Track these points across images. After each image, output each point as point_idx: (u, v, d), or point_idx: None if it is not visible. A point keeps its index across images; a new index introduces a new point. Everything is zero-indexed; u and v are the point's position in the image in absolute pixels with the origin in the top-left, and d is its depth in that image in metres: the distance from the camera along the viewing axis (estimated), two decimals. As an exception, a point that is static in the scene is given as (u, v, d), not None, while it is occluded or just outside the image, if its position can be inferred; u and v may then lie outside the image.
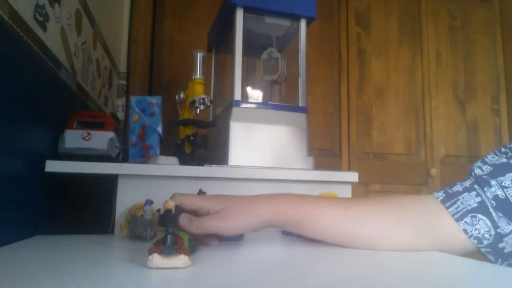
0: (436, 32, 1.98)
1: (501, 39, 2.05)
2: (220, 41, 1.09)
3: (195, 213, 0.48)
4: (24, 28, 0.57)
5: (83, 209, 0.93)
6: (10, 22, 0.52)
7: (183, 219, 0.45)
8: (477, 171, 0.49)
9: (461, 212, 0.46)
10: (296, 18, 0.90)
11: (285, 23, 0.91)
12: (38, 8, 0.62)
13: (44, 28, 0.65)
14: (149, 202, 0.59)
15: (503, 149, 0.50)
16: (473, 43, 2.02)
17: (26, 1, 0.57)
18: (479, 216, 0.45)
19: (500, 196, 0.45)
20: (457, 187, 0.49)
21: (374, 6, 1.92)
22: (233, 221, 0.47)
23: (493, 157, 0.50)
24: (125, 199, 0.67)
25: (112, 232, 0.67)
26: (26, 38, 0.58)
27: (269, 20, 0.89)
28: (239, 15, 0.84)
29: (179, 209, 0.46)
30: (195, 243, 0.45)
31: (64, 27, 0.76)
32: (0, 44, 0.50)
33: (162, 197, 0.49)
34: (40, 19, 0.63)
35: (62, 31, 0.74)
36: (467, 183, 0.49)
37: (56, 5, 0.71)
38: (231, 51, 0.86)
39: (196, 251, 0.45)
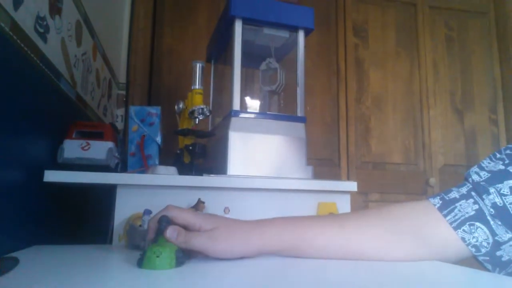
0: (433, 43, 2.00)
1: (498, 49, 2.07)
2: (219, 52, 1.10)
3: (186, 228, 0.47)
4: (25, 39, 0.57)
5: (81, 219, 0.92)
6: (11, 34, 0.53)
7: (171, 232, 0.45)
8: (475, 177, 0.49)
9: (459, 221, 0.46)
10: (294, 29, 0.91)
11: (284, 34, 0.92)
12: (39, 19, 0.62)
13: (45, 39, 0.65)
14: (148, 212, 0.59)
15: (498, 155, 0.50)
16: (470, 53, 2.04)
17: (27, 12, 0.58)
18: (477, 224, 0.45)
19: (498, 204, 0.45)
20: (454, 194, 0.49)
21: (371, 17, 1.95)
22: (220, 243, 0.46)
23: (489, 163, 0.50)
24: (124, 209, 0.67)
25: (111, 242, 0.67)
26: (27, 49, 0.58)
27: (267, 31, 0.90)
28: (238, 26, 0.85)
29: (169, 221, 0.46)
30: (183, 256, 0.43)
31: (64, 38, 0.76)
32: (1, 55, 0.50)
33: (160, 207, 0.48)
34: (41, 30, 0.63)
35: (62, 42, 0.75)
36: (463, 190, 0.49)
37: (57, 16, 0.71)
38: (230, 61, 0.87)
39: (183, 264, 0.43)
